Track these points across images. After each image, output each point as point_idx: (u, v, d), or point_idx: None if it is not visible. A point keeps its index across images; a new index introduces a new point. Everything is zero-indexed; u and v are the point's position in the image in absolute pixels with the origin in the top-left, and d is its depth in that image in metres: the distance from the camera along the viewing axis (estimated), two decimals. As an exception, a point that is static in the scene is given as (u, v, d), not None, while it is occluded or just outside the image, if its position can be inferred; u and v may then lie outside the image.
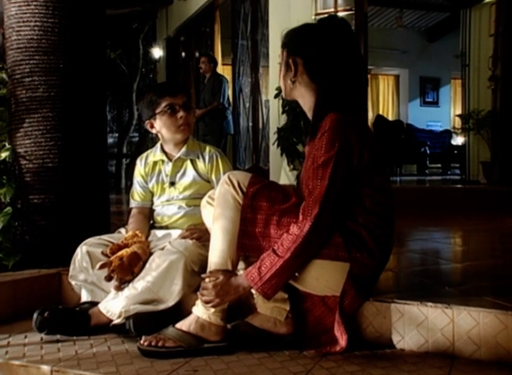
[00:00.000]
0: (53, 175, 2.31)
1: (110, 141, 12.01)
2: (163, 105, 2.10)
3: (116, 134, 12.33)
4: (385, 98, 11.54)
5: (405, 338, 1.61)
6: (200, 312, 1.65)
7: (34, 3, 2.30)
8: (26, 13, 2.30)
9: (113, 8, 7.81)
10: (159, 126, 2.13)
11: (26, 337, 1.82)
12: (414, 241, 3.17)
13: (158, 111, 2.10)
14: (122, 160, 11.06)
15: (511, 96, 5.49)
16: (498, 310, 1.50)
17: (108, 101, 12.79)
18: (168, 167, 2.17)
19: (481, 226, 3.65)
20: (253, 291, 1.62)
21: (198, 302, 1.67)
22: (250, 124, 6.98)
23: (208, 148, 2.18)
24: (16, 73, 2.33)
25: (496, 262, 2.39)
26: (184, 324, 1.65)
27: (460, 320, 1.53)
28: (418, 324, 1.59)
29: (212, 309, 1.63)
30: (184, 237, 1.95)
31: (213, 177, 2.13)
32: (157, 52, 9.78)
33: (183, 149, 2.15)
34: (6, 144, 2.40)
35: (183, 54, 9.16)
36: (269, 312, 1.68)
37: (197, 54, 8.70)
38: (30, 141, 2.31)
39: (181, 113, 2.10)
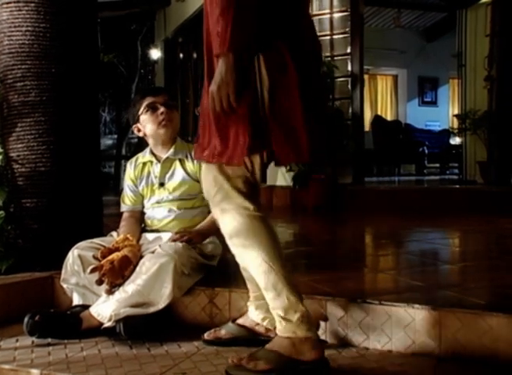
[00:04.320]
0: (45, 179, 2.32)
1: (109, 142, 12.05)
2: (144, 104, 2.14)
3: (115, 136, 12.33)
4: (383, 98, 11.53)
5: (392, 340, 1.62)
6: (286, 331, 1.43)
7: (26, 8, 2.30)
8: (17, 18, 2.31)
9: (111, 10, 7.81)
10: (143, 125, 2.16)
11: (17, 340, 1.83)
12: (410, 242, 3.19)
13: (140, 111, 2.15)
14: (121, 161, 11.05)
15: (507, 96, 5.49)
16: (484, 311, 1.52)
17: (106, 102, 12.89)
18: (157, 168, 2.19)
19: (477, 226, 3.66)
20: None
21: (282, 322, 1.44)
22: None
23: (195, 148, 2.19)
24: (7, 78, 2.34)
25: (490, 263, 2.41)
26: (275, 345, 1.45)
27: (446, 322, 1.55)
28: (405, 326, 1.60)
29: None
30: (174, 240, 1.96)
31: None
32: (155, 54, 9.77)
33: (171, 149, 2.18)
34: (-1, 148, 2.41)
35: (181, 55, 9.15)
36: (260, 320, 1.68)
37: (194, 55, 8.71)
38: (22, 145, 2.31)
39: (162, 109, 2.13)
